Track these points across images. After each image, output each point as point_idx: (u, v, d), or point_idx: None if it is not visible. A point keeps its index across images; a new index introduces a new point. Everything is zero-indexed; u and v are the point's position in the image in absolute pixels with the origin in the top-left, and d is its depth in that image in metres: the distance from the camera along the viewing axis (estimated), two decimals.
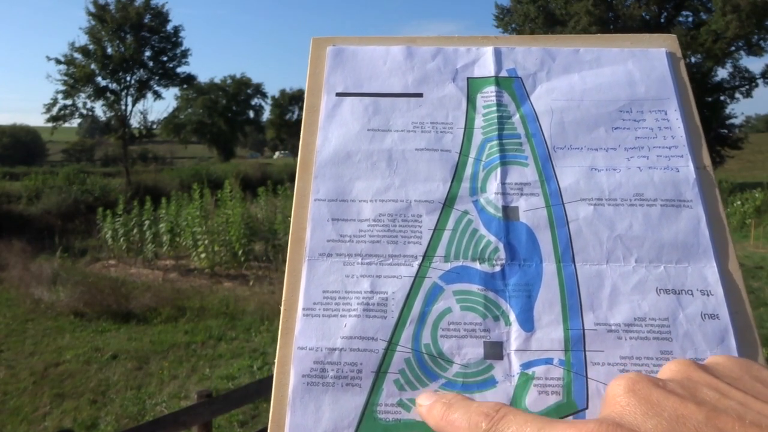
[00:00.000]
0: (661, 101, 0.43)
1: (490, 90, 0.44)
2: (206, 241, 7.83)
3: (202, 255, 7.84)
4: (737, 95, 19.84)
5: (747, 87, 19.68)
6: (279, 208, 9.01)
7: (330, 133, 0.43)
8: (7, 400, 4.17)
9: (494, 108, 0.43)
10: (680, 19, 19.66)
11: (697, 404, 0.24)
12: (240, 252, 7.67)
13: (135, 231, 8.75)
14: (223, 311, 6.07)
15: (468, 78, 0.45)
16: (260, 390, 2.69)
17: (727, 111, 19.74)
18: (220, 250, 7.89)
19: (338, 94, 0.44)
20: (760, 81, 19.40)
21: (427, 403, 0.30)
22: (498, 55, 0.45)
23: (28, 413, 3.95)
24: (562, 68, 0.44)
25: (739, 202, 12.64)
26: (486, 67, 0.45)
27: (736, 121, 20.47)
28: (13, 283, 7.20)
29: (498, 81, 0.44)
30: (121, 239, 8.77)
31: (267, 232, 8.23)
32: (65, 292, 6.33)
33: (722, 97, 19.63)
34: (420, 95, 0.44)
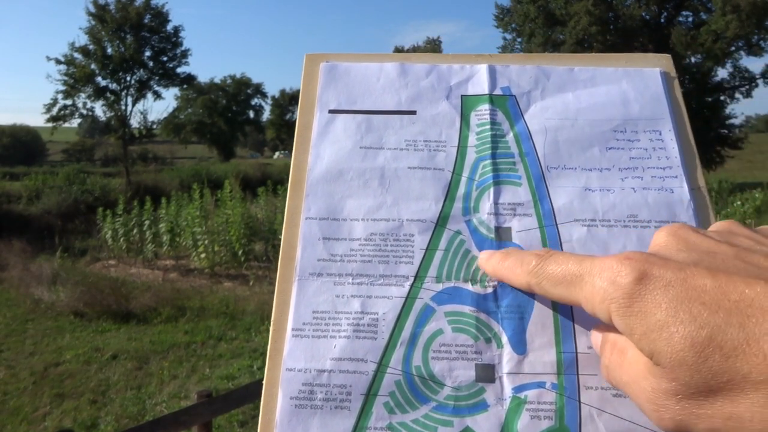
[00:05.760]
0: (655, 121, 0.42)
1: (484, 108, 0.43)
2: (206, 241, 7.82)
3: (202, 255, 7.83)
4: (737, 95, 19.76)
5: (747, 87, 19.61)
6: (279, 208, 8.98)
7: (322, 150, 0.42)
8: (7, 400, 4.17)
9: (488, 126, 0.42)
10: (680, 19, 19.62)
11: (731, 245, 0.25)
12: (240, 252, 7.65)
13: (135, 231, 8.74)
14: (223, 311, 6.06)
15: (462, 95, 0.44)
16: (260, 390, 2.68)
17: (727, 111, 19.65)
18: (220, 250, 7.87)
19: (331, 111, 0.44)
20: (760, 81, 19.34)
21: (485, 256, 0.36)
22: (492, 73, 0.44)
23: (28, 413, 3.95)
24: (556, 87, 0.43)
25: (739, 203, 12.60)
26: (480, 84, 0.44)
27: (736, 121, 20.45)
28: (13, 283, 7.19)
29: (492, 99, 0.43)
30: (121, 239, 8.76)
31: (267, 232, 8.21)
32: (65, 292, 6.33)
33: (722, 97, 19.55)
34: (413, 113, 0.43)
